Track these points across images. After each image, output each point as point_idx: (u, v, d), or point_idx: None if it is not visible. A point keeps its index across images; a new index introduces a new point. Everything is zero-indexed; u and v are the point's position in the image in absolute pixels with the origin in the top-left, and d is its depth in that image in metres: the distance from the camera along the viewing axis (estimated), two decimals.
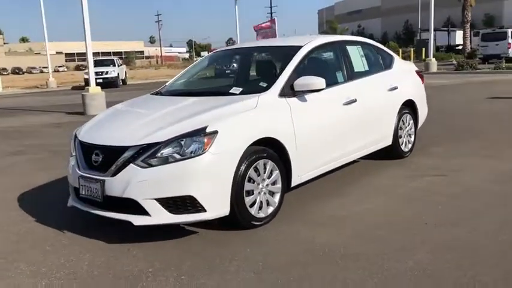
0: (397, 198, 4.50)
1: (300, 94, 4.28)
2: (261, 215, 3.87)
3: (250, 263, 3.25)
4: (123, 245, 3.69)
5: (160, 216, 3.51)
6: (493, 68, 23.11)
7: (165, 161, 3.49)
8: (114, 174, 3.59)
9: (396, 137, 5.68)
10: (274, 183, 3.98)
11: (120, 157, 3.59)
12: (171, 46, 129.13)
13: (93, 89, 13.37)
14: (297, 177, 4.25)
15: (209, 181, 3.52)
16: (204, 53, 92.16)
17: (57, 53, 79.41)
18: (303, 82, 4.23)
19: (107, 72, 25.46)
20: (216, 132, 3.57)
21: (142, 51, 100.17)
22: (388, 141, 5.59)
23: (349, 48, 5.25)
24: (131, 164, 3.54)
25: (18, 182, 5.89)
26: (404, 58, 40.42)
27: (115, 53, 64.08)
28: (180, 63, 77.71)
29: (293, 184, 4.23)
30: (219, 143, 3.55)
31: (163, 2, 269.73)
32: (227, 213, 3.62)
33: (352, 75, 5.07)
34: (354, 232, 3.72)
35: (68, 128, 10.85)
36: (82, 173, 3.81)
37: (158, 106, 4.42)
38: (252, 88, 4.30)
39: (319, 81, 4.21)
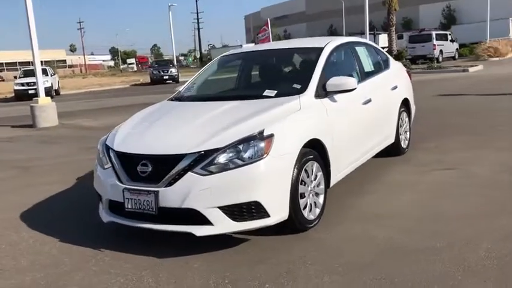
0: (424, 193, 4.62)
1: (331, 94, 4.30)
2: (311, 217, 3.84)
3: (328, 266, 3.20)
4: (178, 259, 3.50)
5: (223, 224, 3.37)
6: (426, 67, 24.51)
7: (226, 167, 3.36)
8: (170, 184, 3.40)
9: (398, 134, 5.87)
10: (318, 184, 3.97)
11: (175, 166, 3.40)
12: (92, 54, 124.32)
13: (43, 100, 12.58)
14: (334, 177, 4.26)
15: (271, 185, 3.44)
16: (131, 60, 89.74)
17: None
18: (335, 82, 4.26)
19: None
20: (272, 135, 3.50)
21: (65, 60, 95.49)
22: (392, 139, 5.76)
23: (358, 48, 5.36)
24: (189, 173, 3.37)
25: (8, 202, 5.41)
26: None
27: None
28: (107, 71, 75.09)
29: (331, 184, 4.24)
30: (276, 146, 3.48)
31: (80, 8, 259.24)
32: (286, 217, 3.55)
33: (364, 75, 5.17)
34: (408, 227, 3.78)
35: (22, 143, 10.16)
36: (127, 186, 3.56)
37: (194, 112, 4.24)
38: (285, 90, 4.25)
39: (351, 81, 4.26)
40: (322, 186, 4.01)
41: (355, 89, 4.31)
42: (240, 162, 3.37)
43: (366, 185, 4.94)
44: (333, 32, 79.60)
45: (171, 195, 3.38)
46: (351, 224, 3.94)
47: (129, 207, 3.56)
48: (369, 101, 4.94)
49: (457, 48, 35.81)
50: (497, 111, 9.29)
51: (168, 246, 3.70)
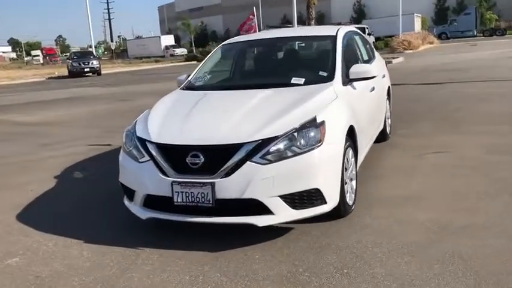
0: (432, 175, 4.87)
1: (352, 82, 4.37)
2: (350, 202, 3.90)
3: (392, 248, 3.27)
4: (234, 251, 3.40)
5: (285, 213, 3.33)
6: None
7: (284, 155, 3.31)
8: (227, 174, 3.28)
9: (385, 120, 6.11)
10: (352, 169, 4.03)
11: (232, 156, 3.29)
12: None
13: None
14: (359, 162, 4.35)
15: (328, 172, 3.46)
16: (36, 52, 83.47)
17: None
18: (358, 70, 4.34)
19: None
20: (324, 122, 3.50)
21: None
22: (382, 125, 5.99)
23: (355, 37, 5.49)
24: (248, 162, 3.27)
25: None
26: None
27: None
28: (10, 64, 69.57)
29: (357, 169, 4.32)
30: (329, 133, 3.49)
31: None
32: (337, 204, 3.58)
33: (365, 63, 5.32)
34: (440, 207, 3.96)
35: None
36: (177, 179, 3.38)
37: (229, 101, 4.10)
38: (312, 78, 4.25)
39: (373, 69, 4.37)
40: (355, 171, 4.08)
41: (375, 76, 4.41)
42: (298, 150, 3.33)
43: (369, 171, 5.05)
44: None
45: (230, 186, 3.26)
46: (383, 208, 4.04)
47: (179, 201, 3.38)
48: (373, 88, 5.09)
49: (373, 42, 37.75)
50: (443, 98, 9.96)
51: (208, 239, 3.59)
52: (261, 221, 3.31)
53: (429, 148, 5.92)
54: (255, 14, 17.26)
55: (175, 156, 3.46)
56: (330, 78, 4.21)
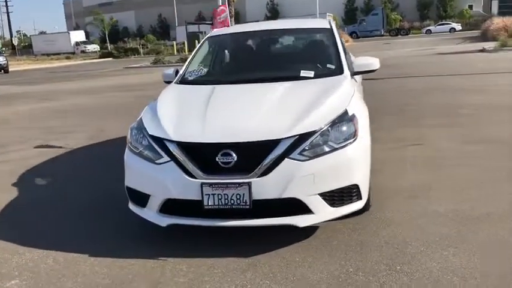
0: (424, 166, 4.94)
1: (355, 75, 4.31)
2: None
3: (429, 242, 3.23)
4: (268, 255, 3.18)
5: (323, 212, 3.16)
6: None
7: (321, 151, 3.14)
8: (264, 173, 3.04)
9: None
10: None
11: (269, 153, 3.05)
12: None
13: None
14: None
15: (363, 167, 3.35)
16: None
17: None
18: (362, 62, 4.28)
19: None
20: (354, 115, 3.39)
21: None
22: None
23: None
24: (286, 159, 3.06)
25: None
26: (178, 50, 41.56)
27: None
28: None
29: None
30: (360, 126, 3.37)
31: None
32: (367, 199, 3.48)
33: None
34: (451, 198, 4.01)
35: None
36: (207, 180, 3.07)
37: (246, 96, 3.83)
38: (320, 71, 4.12)
39: (376, 62, 4.32)
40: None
41: (377, 69, 4.38)
42: (335, 145, 3.18)
43: None
44: (163, 21, 78.79)
45: (268, 186, 3.03)
46: (396, 201, 4.01)
47: (209, 204, 3.08)
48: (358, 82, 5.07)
49: None
50: (391, 93, 10.34)
51: (233, 244, 3.35)
52: (301, 221, 3.12)
53: (405, 141, 6.05)
54: (227, 5, 16.64)
55: (203, 156, 3.15)
56: (340, 71, 4.11)
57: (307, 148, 3.11)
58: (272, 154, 3.05)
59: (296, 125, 3.17)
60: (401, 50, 25.39)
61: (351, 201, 3.26)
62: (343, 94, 3.66)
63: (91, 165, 5.93)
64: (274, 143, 3.08)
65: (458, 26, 52.96)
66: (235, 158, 3.07)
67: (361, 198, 3.31)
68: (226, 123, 3.35)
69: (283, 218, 3.12)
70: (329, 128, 3.21)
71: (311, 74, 4.06)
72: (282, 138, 3.08)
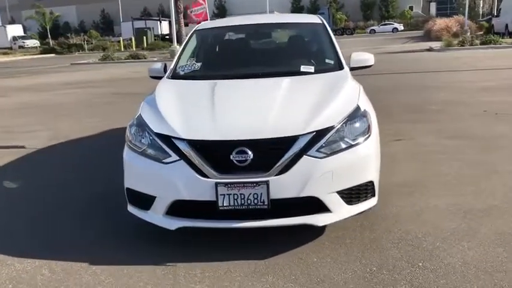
0: (414, 161, 4.98)
1: (352, 70, 4.26)
2: None
3: (442, 236, 3.24)
4: (284, 256, 3.07)
5: (340, 210, 3.07)
6: None
7: (338, 147, 3.05)
8: (282, 171, 2.92)
9: None
10: None
11: (287, 150, 2.93)
12: None
13: None
14: None
15: (377, 164, 3.31)
16: None
17: None
18: (358, 58, 4.24)
19: None
20: (366, 111, 3.33)
21: None
22: None
23: None
24: (305, 156, 2.95)
25: None
26: (125, 47, 40.43)
27: None
28: None
29: None
30: (371, 122, 3.32)
31: None
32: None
33: None
34: (449, 192, 4.06)
35: None
36: (222, 179, 2.90)
37: (251, 91, 3.69)
38: (320, 66, 4.03)
39: (371, 57, 4.30)
40: None
41: (372, 65, 4.36)
42: (351, 141, 3.10)
43: None
44: (106, 17, 76.46)
45: (287, 184, 2.91)
46: (395, 196, 4.00)
47: (225, 205, 2.91)
48: None
49: None
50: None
51: (244, 246, 3.23)
52: (320, 220, 3.03)
53: (386, 136, 6.09)
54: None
55: (216, 154, 2.98)
56: (340, 66, 4.06)
57: (324, 145, 3.01)
58: (290, 151, 2.93)
59: (312, 121, 3.06)
60: (350, 50, 25.86)
61: (366, 198, 3.20)
62: (351, 89, 3.61)
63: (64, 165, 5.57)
64: (293, 139, 2.96)
65: (400, 26, 55.04)
66: (251, 156, 2.92)
67: (374, 195, 3.26)
68: (239, 119, 3.19)
69: (301, 217, 3.01)
70: (344, 124, 3.13)
71: (311, 69, 3.97)
72: (300, 135, 2.97)
